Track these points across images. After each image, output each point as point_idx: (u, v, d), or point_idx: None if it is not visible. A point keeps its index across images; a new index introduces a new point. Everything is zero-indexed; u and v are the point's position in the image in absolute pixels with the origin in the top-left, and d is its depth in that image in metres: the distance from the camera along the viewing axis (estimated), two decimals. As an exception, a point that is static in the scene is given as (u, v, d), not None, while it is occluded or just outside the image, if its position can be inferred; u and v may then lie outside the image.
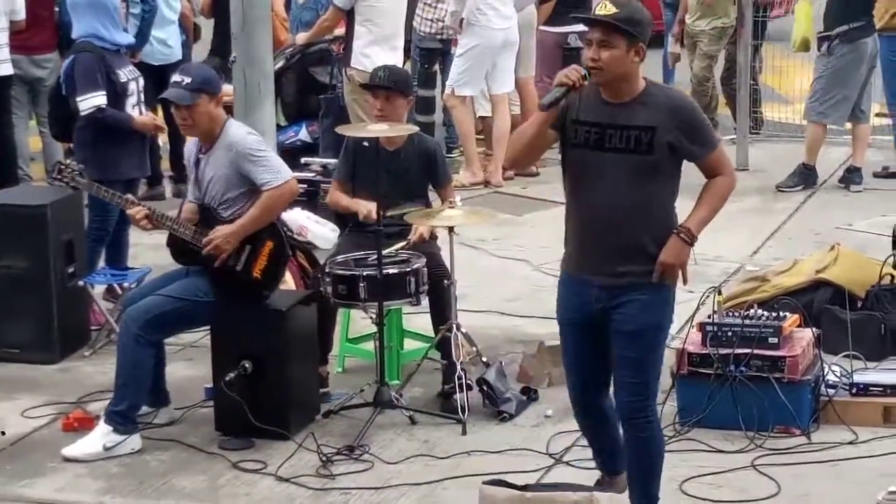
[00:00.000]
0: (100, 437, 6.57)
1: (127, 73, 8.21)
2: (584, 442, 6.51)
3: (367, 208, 7.12)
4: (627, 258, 5.32)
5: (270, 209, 6.65)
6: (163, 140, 11.04)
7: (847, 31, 10.69)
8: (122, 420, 6.59)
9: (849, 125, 11.21)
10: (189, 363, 7.61)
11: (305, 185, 9.30)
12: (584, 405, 5.67)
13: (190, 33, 11.80)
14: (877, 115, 12.27)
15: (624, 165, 5.26)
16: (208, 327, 6.90)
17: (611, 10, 5.21)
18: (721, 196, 5.43)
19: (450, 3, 11.36)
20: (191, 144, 6.91)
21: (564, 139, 5.38)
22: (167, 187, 11.16)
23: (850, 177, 11.13)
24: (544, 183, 11.22)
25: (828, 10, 10.94)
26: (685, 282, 5.42)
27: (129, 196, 7.00)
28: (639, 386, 5.41)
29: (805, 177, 11.13)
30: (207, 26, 12.40)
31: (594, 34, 5.24)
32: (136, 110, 8.21)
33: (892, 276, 7.40)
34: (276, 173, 6.62)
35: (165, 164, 11.38)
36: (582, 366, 5.57)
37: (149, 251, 8.90)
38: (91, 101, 7.96)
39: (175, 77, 6.76)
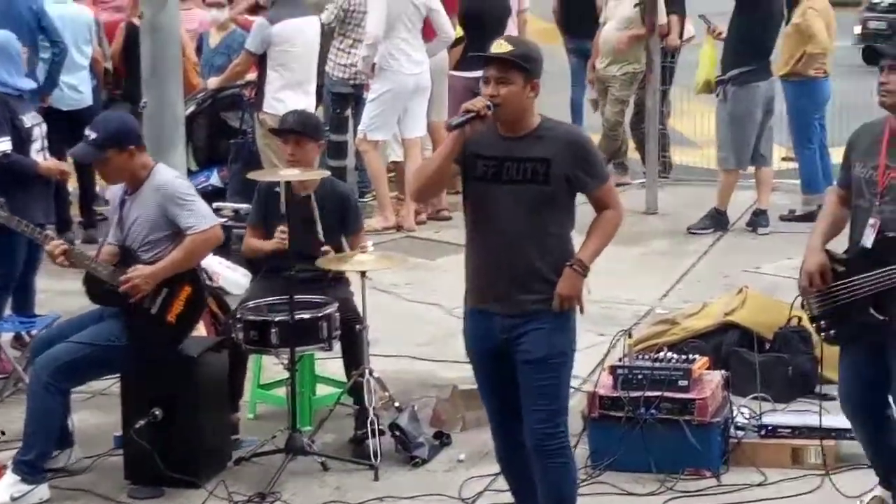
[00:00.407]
0: (7, 486, 6.47)
1: (31, 119, 8.13)
2: (497, 486, 6.56)
3: (278, 238, 7.09)
4: (527, 287, 5.46)
5: (193, 254, 6.62)
6: (72, 186, 10.95)
7: (739, 75, 10.86)
8: (30, 469, 6.50)
9: (752, 169, 11.36)
10: (98, 411, 7.52)
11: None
12: (504, 434, 5.74)
13: (101, 78, 11.73)
14: (783, 158, 12.45)
15: (521, 197, 5.43)
16: (118, 374, 6.84)
17: (507, 48, 5.44)
18: (610, 229, 5.62)
19: (362, 48, 11.39)
20: (117, 186, 6.87)
21: (465, 173, 5.55)
22: (77, 233, 11.05)
23: (757, 220, 11.29)
24: (456, 227, 11.21)
25: (723, 54, 11.11)
26: (581, 311, 5.56)
27: (48, 232, 6.94)
28: (547, 413, 5.51)
29: (716, 220, 11.27)
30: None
31: (491, 72, 5.43)
32: (40, 155, 8.13)
33: (800, 318, 7.49)
34: (202, 218, 6.60)
35: (75, 210, 11.28)
36: (492, 394, 5.70)
37: (57, 297, 8.81)
38: None
39: (86, 131, 6.70)
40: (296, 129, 7.32)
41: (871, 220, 5.70)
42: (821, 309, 5.94)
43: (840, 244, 5.98)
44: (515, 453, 5.74)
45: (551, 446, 5.52)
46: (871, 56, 5.52)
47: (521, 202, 5.43)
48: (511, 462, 5.82)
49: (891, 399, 5.85)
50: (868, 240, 5.71)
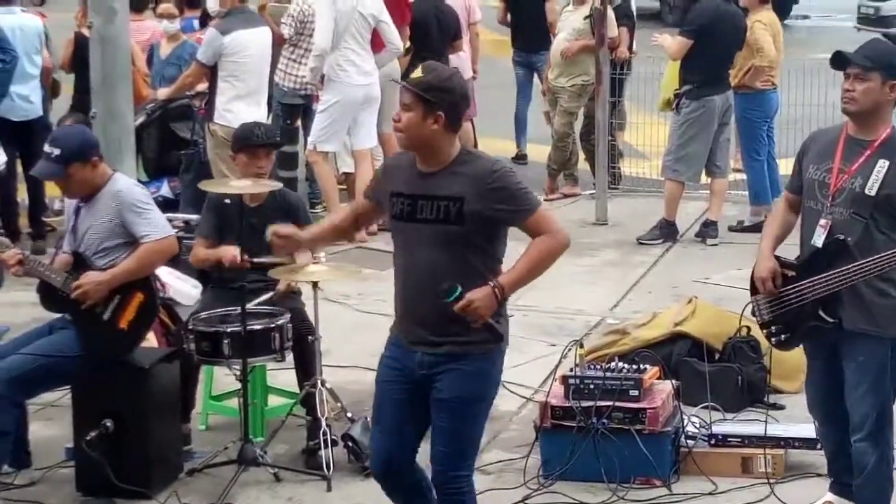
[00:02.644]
0: (-43, 499, 6.45)
1: None
2: (449, 496, 6.56)
3: (230, 253, 7.08)
4: (446, 329, 5.27)
5: (145, 262, 6.60)
6: (21, 196, 10.90)
7: (691, 89, 10.93)
8: (-19, 482, 6.47)
9: (708, 179, 11.43)
10: (49, 422, 7.48)
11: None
12: (391, 474, 5.53)
13: (48, 88, 11.66)
14: (734, 170, 12.53)
15: (436, 236, 5.25)
16: (68, 386, 6.81)
17: (420, 75, 5.30)
18: (542, 255, 5.31)
19: (310, 59, 11.39)
20: (72, 205, 6.84)
21: (385, 209, 5.46)
22: (26, 244, 10.98)
23: (707, 230, 11.35)
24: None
25: (680, 67, 11.18)
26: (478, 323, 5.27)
27: (4, 239, 6.90)
28: (452, 456, 5.37)
29: (666, 231, 11.33)
30: (67, 81, 12.28)
31: (400, 97, 5.35)
32: None
33: (749, 328, 7.56)
34: (157, 228, 6.59)
35: (24, 221, 11.21)
36: (393, 427, 5.44)
37: (6, 308, 8.76)
38: None
39: (45, 147, 6.65)
40: (270, 142, 7.34)
41: (821, 221, 5.77)
42: (771, 314, 5.98)
43: (789, 250, 6.04)
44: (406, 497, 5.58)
45: (450, 489, 5.41)
46: (840, 61, 5.59)
47: (437, 242, 5.24)
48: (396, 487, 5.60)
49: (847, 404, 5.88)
50: (819, 240, 5.77)
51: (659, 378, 7.03)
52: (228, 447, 6.94)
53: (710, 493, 6.60)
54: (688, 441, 6.86)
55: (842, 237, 5.72)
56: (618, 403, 6.71)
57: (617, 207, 12.28)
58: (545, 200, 12.92)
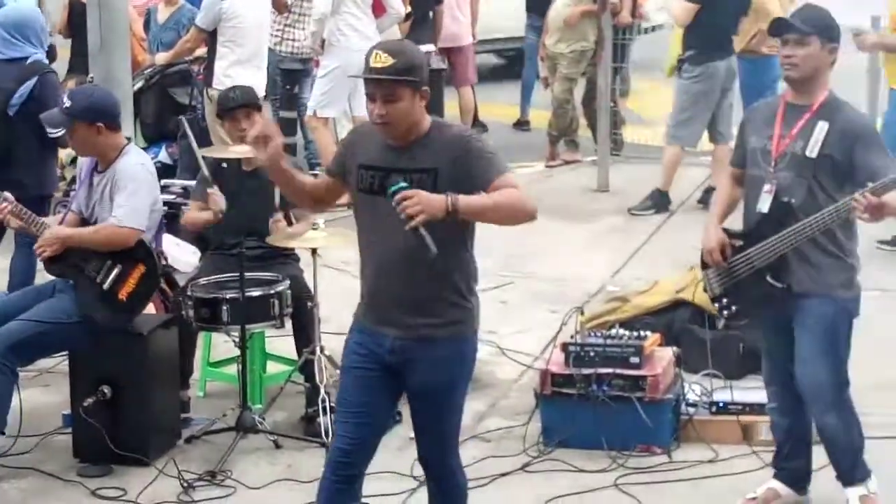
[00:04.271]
0: (-47, 465, 6.43)
1: None
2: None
3: (217, 205, 7.05)
4: (418, 309, 5.01)
5: (99, 239, 6.56)
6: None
7: (694, 54, 10.87)
8: (-22, 448, 6.45)
9: (711, 146, 11.38)
10: (45, 389, 7.46)
11: (166, 208, 9.18)
12: (351, 464, 5.18)
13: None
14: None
15: None
16: (66, 352, 6.78)
17: (388, 60, 4.91)
18: (508, 202, 4.88)
19: (310, 23, 11.31)
20: (88, 159, 6.82)
21: (350, 184, 5.13)
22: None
23: (709, 197, 11.28)
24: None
25: (684, 32, 11.11)
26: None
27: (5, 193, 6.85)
28: (442, 447, 5.23)
29: (658, 201, 11.26)
30: (63, 46, 12.21)
31: (374, 89, 4.94)
32: None
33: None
34: (127, 216, 6.53)
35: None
36: (361, 409, 5.12)
37: (6, 276, 8.71)
38: None
39: (64, 98, 6.71)
40: (245, 103, 7.27)
41: (766, 187, 5.81)
42: (721, 286, 6.01)
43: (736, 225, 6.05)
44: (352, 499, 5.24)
45: (447, 480, 5.29)
46: (779, 27, 5.58)
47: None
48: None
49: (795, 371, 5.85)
50: (764, 205, 5.80)
51: (660, 345, 7.00)
52: (227, 414, 6.91)
53: (710, 461, 6.57)
54: (688, 408, 6.83)
55: (786, 199, 5.75)
56: (618, 371, 6.67)
57: (618, 174, 12.23)
58: (546, 167, 12.90)
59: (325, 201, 5.33)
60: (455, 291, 5.05)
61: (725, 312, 6.04)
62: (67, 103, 6.60)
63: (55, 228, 6.61)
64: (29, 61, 8.03)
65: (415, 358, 5.05)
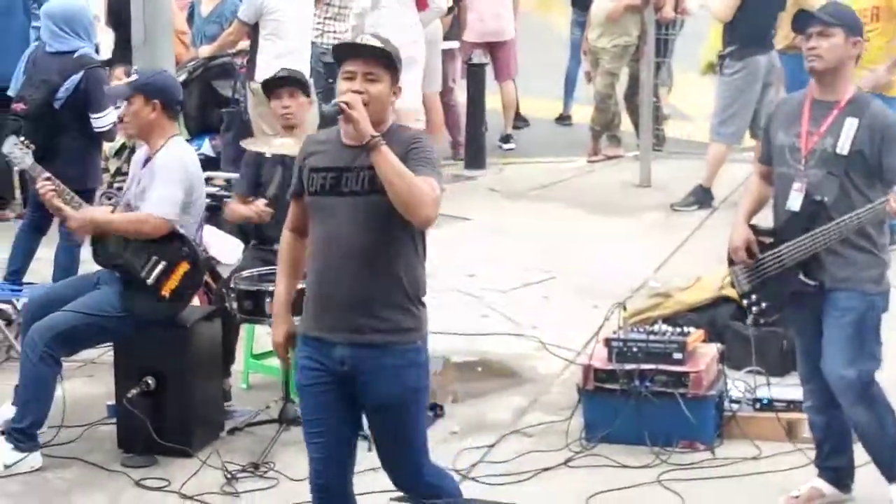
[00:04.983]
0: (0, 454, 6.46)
1: None
2: (491, 458, 6.55)
3: (257, 209, 7.12)
4: (369, 312, 4.86)
5: (130, 227, 6.61)
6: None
7: (735, 50, 10.82)
8: (23, 437, 6.48)
9: (753, 142, 11.32)
10: (90, 380, 7.50)
11: (209, 200, 9.22)
12: (323, 484, 5.04)
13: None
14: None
15: (361, 208, 4.84)
16: (110, 343, 6.81)
17: (377, 42, 4.91)
18: (421, 186, 4.74)
19: (351, 16, 11.32)
20: (141, 154, 6.90)
21: (305, 188, 5.00)
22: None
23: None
24: (448, 200, 11.13)
25: (724, 28, 11.07)
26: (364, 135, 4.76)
27: (37, 166, 6.92)
28: (410, 459, 5.04)
29: (701, 197, 11.22)
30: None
31: (357, 65, 4.87)
32: None
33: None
34: (157, 205, 6.58)
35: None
36: (326, 437, 4.99)
37: (50, 267, 8.75)
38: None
39: (132, 74, 6.93)
40: (290, 78, 7.30)
41: (796, 185, 5.77)
42: (750, 283, 5.99)
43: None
44: None
45: (423, 489, 5.08)
46: (802, 20, 5.57)
47: (362, 214, 4.84)
48: None
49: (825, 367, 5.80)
50: (795, 203, 5.77)
51: (703, 341, 6.97)
52: (270, 406, 6.93)
53: (753, 458, 6.54)
54: (732, 405, 6.80)
55: (818, 198, 5.71)
56: (661, 367, 6.65)
57: (661, 170, 12.19)
58: (588, 162, 12.87)
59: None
60: (405, 296, 4.91)
61: (754, 309, 6.02)
62: (134, 77, 6.77)
63: (87, 209, 6.72)
64: (76, 55, 8.08)
65: (366, 369, 4.89)
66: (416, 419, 5.04)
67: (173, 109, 6.77)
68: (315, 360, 4.96)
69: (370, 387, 4.91)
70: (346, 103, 4.79)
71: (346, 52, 4.97)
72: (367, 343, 4.88)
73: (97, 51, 11.04)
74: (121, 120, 8.02)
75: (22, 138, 7.03)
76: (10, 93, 8.30)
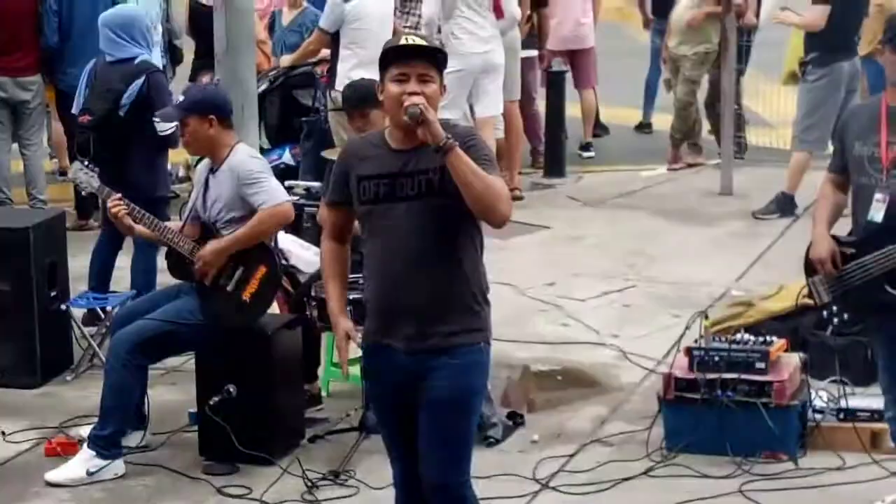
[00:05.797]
0: (83, 461, 6.52)
1: None
2: (572, 467, 6.53)
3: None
4: (439, 317, 4.83)
5: (260, 228, 6.62)
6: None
7: (818, 56, 10.71)
8: (106, 445, 6.54)
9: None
10: (172, 387, 7.55)
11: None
12: (409, 489, 5.02)
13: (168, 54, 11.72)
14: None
15: (422, 213, 4.79)
16: (192, 352, 6.86)
17: (423, 42, 4.83)
18: (496, 186, 4.76)
19: (422, 28, 11.34)
20: (203, 164, 6.93)
21: (355, 198, 4.92)
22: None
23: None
24: (528, 207, 11.21)
25: (805, 35, 10.97)
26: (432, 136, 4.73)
27: (105, 188, 6.88)
28: (453, 462, 4.91)
29: (783, 205, 11.11)
30: (189, 48, 12.36)
31: (412, 67, 4.79)
32: None
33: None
34: (271, 194, 6.61)
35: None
36: (399, 442, 4.99)
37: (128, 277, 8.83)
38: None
39: (179, 95, 6.94)
40: (356, 104, 7.33)
41: (878, 196, 5.71)
42: (831, 294, 5.93)
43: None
44: None
45: (453, 498, 4.94)
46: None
47: (420, 220, 4.78)
48: None
49: None
50: (878, 214, 5.71)
51: (786, 351, 6.90)
52: (350, 414, 6.96)
53: (837, 469, 6.47)
54: (815, 415, 6.73)
55: None
56: (743, 376, 6.60)
57: (742, 178, 12.09)
58: (668, 170, 12.80)
59: (349, 233, 5.11)
60: (472, 296, 4.89)
61: (835, 320, 5.97)
62: (181, 98, 6.77)
63: (211, 245, 6.62)
64: (136, 61, 8.12)
65: (429, 367, 4.84)
66: (467, 420, 4.95)
67: (229, 119, 6.78)
68: (381, 370, 4.96)
69: (431, 383, 4.85)
70: (424, 107, 4.75)
71: (397, 54, 4.85)
72: (430, 347, 4.85)
73: (176, 59, 11.16)
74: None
75: (86, 162, 7.06)
76: (74, 110, 8.35)
